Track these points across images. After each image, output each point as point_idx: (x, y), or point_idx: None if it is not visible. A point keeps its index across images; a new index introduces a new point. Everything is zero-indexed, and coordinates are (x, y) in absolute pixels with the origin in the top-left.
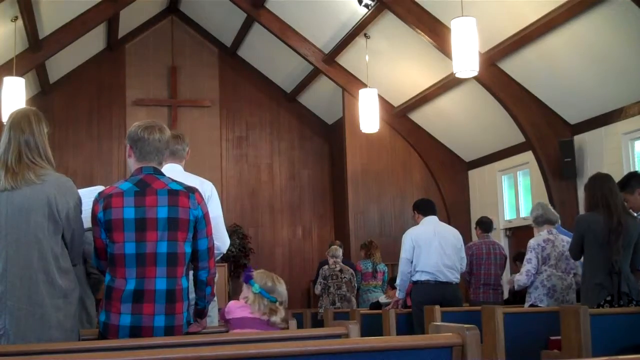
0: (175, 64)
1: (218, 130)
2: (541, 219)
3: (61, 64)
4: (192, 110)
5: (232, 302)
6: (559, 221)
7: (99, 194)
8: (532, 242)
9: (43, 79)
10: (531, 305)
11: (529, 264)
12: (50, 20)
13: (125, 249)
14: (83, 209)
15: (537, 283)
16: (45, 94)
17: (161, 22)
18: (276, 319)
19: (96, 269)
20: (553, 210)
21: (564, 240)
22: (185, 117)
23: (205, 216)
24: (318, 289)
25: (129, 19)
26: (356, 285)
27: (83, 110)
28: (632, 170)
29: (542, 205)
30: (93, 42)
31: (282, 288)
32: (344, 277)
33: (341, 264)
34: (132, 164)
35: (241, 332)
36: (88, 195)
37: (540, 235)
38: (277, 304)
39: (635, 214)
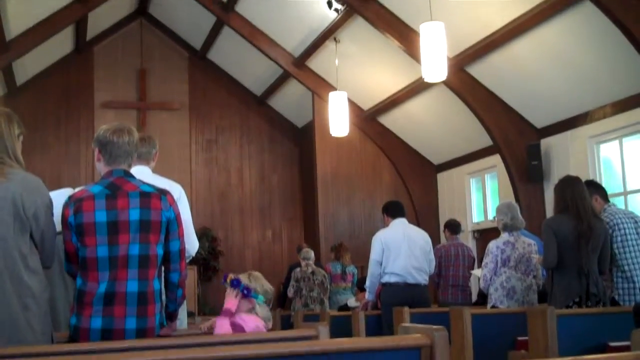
0: (144, 66)
1: (187, 133)
2: (508, 228)
3: (28, 66)
4: (161, 113)
5: (254, 318)
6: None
7: (69, 197)
8: (491, 245)
9: (10, 81)
10: (492, 307)
11: (485, 269)
12: (18, 21)
13: (98, 252)
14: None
15: (496, 285)
16: (12, 96)
17: (130, 25)
18: (270, 323)
19: (67, 272)
20: (520, 216)
21: (525, 242)
22: (154, 120)
23: (177, 218)
24: (291, 292)
25: (98, 21)
26: (328, 287)
27: (51, 113)
28: (597, 172)
29: (511, 211)
30: (61, 44)
31: (268, 286)
32: (316, 279)
33: (313, 266)
34: (102, 168)
35: (214, 336)
36: (56, 198)
37: (501, 238)
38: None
39: (601, 217)
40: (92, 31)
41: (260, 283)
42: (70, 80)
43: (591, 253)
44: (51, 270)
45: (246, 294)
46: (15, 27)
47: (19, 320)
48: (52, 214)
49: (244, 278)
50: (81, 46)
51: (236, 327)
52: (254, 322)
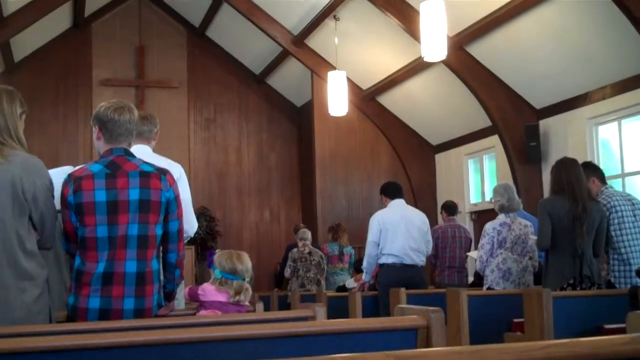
0: (142, 43)
1: (186, 111)
2: (505, 209)
3: (26, 43)
4: (160, 91)
5: (208, 286)
6: (521, 205)
7: (69, 175)
8: (487, 227)
9: (8, 58)
10: (488, 288)
11: (481, 250)
12: None
13: (97, 232)
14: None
15: (492, 266)
16: (9, 73)
17: (128, 1)
18: (241, 297)
19: (65, 251)
20: (517, 197)
21: (522, 223)
22: (152, 98)
23: (177, 198)
24: (288, 272)
25: None
26: (325, 267)
27: (48, 90)
28: (596, 154)
29: (508, 192)
30: (59, 21)
31: (242, 265)
32: (313, 260)
33: (310, 246)
34: (101, 146)
35: (208, 315)
36: (57, 175)
37: (497, 219)
38: (244, 281)
39: (598, 199)
40: (90, 7)
41: (222, 260)
42: (69, 57)
43: (586, 235)
44: (54, 248)
45: (209, 263)
46: (13, 3)
47: (15, 302)
48: (52, 196)
49: (219, 256)
50: (79, 22)
51: (192, 292)
52: (209, 288)
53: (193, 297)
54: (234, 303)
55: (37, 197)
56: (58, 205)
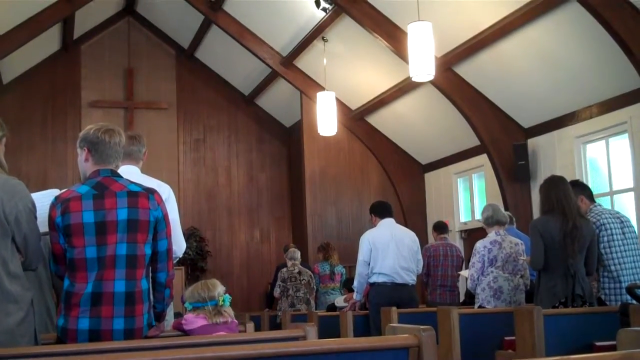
0: (131, 65)
1: (175, 132)
2: (491, 220)
3: (15, 65)
4: (149, 112)
5: (188, 315)
6: (514, 223)
7: (56, 198)
8: (478, 245)
9: None
10: (479, 307)
11: (472, 268)
12: (3, 19)
13: (86, 253)
14: (38, 212)
15: (483, 285)
16: None
17: (117, 23)
18: (219, 319)
19: (54, 273)
20: (504, 211)
21: (512, 241)
22: (141, 119)
23: (165, 217)
24: (277, 292)
25: (85, 20)
26: (315, 287)
27: (37, 112)
28: (584, 172)
29: (492, 206)
30: (48, 43)
31: (209, 292)
32: (303, 280)
33: (300, 266)
34: (88, 167)
35: (203, 336)
36: (42, 199)
37: (488, 237)
38: (218, 305)
39: (587, 217)
40: (79, 29)
41: (189, 293)
42: (57, 79)
43: (577, 253)
44: (40, 269)
45: (182, 302)
46: (2, 25)
47: (0, 326)
48: (35, 217)
49: (189, 290)
50: (68, 45)
51: (176, 324)
52: (189, 316)
53: (179, 329)
54: (220, 324)
55: (19, 219)
56: (42, 228)
